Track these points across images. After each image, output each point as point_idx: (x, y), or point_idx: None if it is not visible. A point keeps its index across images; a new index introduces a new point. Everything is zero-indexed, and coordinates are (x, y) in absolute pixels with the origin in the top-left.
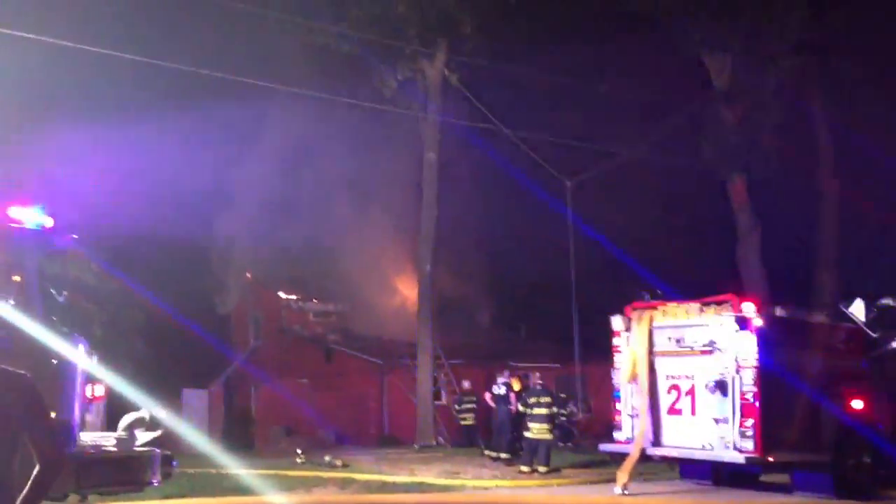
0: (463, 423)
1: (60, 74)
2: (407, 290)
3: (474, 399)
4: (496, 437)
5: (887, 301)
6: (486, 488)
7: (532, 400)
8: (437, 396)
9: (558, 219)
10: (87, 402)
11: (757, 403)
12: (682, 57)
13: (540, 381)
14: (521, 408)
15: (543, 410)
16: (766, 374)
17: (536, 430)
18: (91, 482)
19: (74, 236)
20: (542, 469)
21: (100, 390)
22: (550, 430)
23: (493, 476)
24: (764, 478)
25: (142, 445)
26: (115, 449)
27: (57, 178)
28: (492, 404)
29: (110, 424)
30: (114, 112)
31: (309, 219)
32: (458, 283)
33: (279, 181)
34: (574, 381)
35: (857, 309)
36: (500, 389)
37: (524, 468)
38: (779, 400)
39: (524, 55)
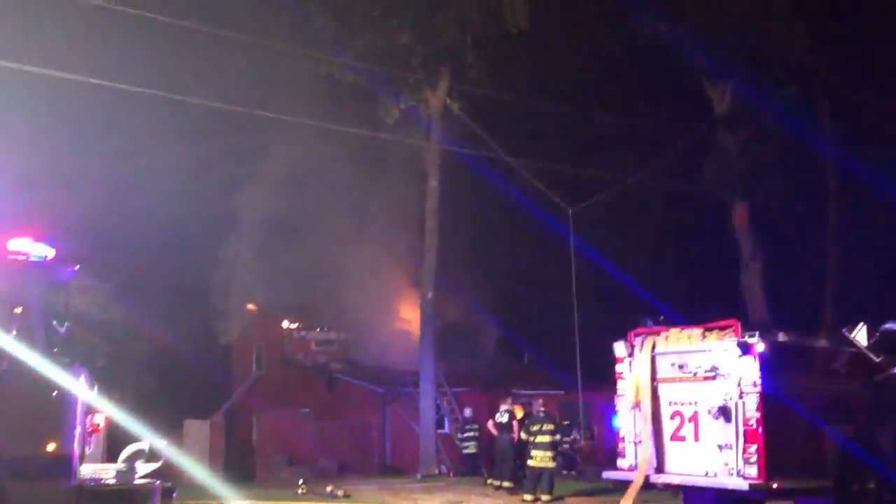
0: (465, 451)
1: (64, 105)
2: (409, 318)
3: (476, 427)
4: (499, 466)
5: (890, 326)
6: None
7: (535, 427)
8: (439, 424)
9: (561, 245)
10: (88, 434)
11: (760, 429)
12: (684, 84)
13: (543, 409)
14: (523, 435)
15: (546, 438)
16: (770, 400)
17: (539, 458)
18: None
19: (77, 267)
20: (545, 497)
21: (100, 421)
22: (553, 458)
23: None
24: None
25: (142, 477)
26: (115, 481)
27: (60, 209)
28: (494, 432)
29: (111, 456)
30: (117, 143)
31: (311, 246)
32: (460, 309)
33: (281, 209)
34: (577, 408)
35: (860, 334)
36: (502, 417)
37: (527, 497)
38: (782, 426)
39: (526, 83)
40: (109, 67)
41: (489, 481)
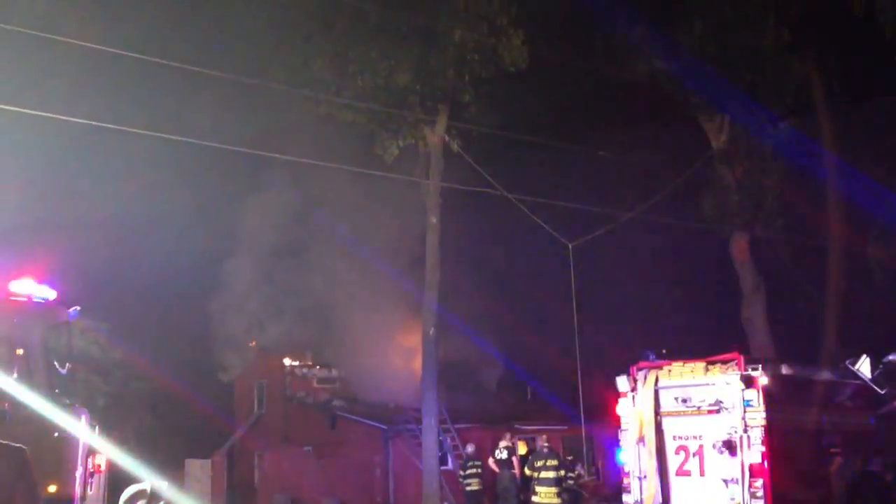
0: (468, 488)
1: (64, 148)
2: (411, 354)
3: (479, 464)
4: (502, 503)
5: (893, 357)
6: None
7: (539, 463)
8: (443, 461)
9: (562, 280)
10: (89, 475)
11: (766, 463)
12: (681, 118)
13: (547, 444)
14: (527, 471)
15: (551, 474)
16: (775, 433)
17: (544, 494)
18: None
19: (78, 308)
20: None
21: (101, 462)
22: (558, 494)
23: None
24: None
25: None
26: None
27: (61, 250)
28: (496, 469)
29: (112, 497)
30: (117, 185)
31: (311, 283)
32: (462, 345)
33: (282, 247)
34: (580, 443)
35: (864, 365)
36: (501, 454)
37: None
38: (788, 459)
39: (525, 120)
40: (107, 109)
41: None
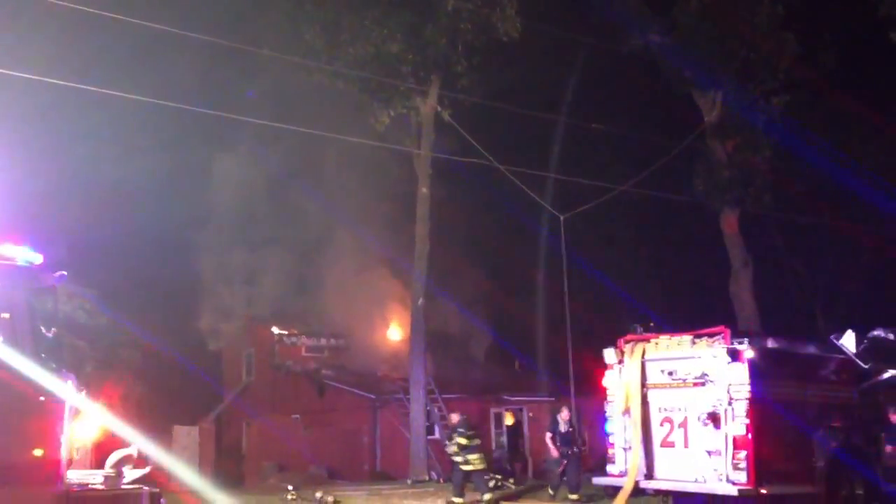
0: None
1: (51, 112)
2: (400, 324)
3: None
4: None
5: (878, 333)
6: None
7: (471, 432)
8: (430, 431)
9: (552, 252)
10: (75, 439)
11: (749, 435)
12: (674, 92)
13: (463, 415)
14: (464, 441)
15: (478, 441)
16: (759, 406)
17: (477, 461)
18: None
19: (64, 273)
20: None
21: (88, 427)
22: (483, 460)
23: None
24: None
25: (129, 483)
26: (102, 487)
27: (48, 215)
28: (552, 446)
29: (99, 462)
30: (106, 150)
31: (301, 252)
32: (451, 316)
33: (272, 214)
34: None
35: (848, 340)
36: (561, 427)
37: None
38: (771, 432)
39: (517, 91)
40: (98, 73)
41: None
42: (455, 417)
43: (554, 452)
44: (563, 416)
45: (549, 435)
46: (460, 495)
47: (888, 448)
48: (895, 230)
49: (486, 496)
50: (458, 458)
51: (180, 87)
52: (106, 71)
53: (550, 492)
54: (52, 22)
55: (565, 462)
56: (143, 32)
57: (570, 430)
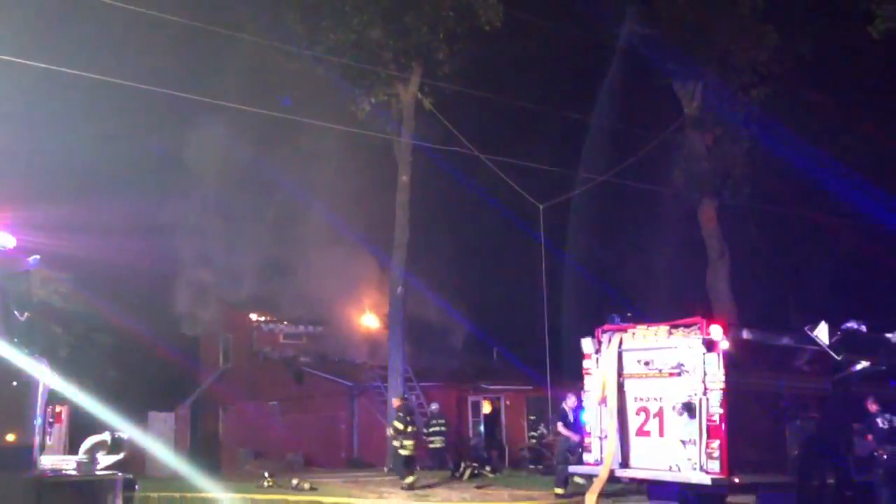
0: (431, 445)
1: (24, 93)
2: (379, 313)
3: (443, 422)
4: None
5: (850, 325)
6: None
7: (409, 418)
8: None
9: (531, 242)
10: (49, 425)
11: (723, 425)
12: (654, 84)
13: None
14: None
15: (411, 428)
16: (733, 396)
17: (411, 447)
18: None
19: (38, 257)
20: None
21: (62, 412)
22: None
23: (462, 499)
24: (730, 499)
25: (103, 469)
26: (75, 472)
27: (21, 199)
28: (566, 433)
29: (72, 447)
30: (81, 132)
31: (280, 239)
32: (429, 305)
33: (251, 200)
34: (545, 404)
35: (822, 332)
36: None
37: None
38: (745, 421)
39: (498, 80)
40: (72, 55)
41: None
42: (396, 402)
43: (575, 437)
44: (570, 403)
45: (560, 424)
46: (407, 477)
47: (868, 437)
48: (870, 223)
49: (409, 479)
50: (395, 443)
51: (157, 70)
52: (81, 53)
53: (559, 490)
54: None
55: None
56: (119, 14)
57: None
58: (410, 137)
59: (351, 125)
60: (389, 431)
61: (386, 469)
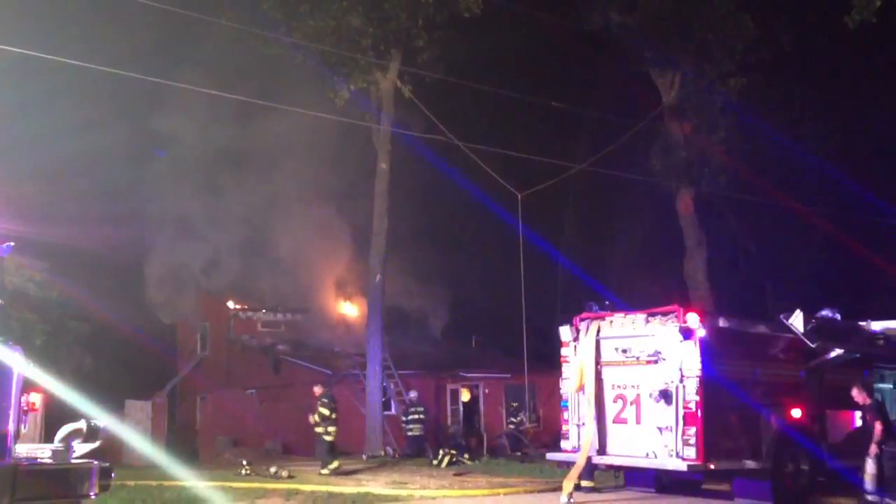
0: (410, 433)
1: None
2: (358, 301)
3: (422, 409)
4: None
5: (825, 313)
6: (432, 498)
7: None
8: (386, 406)
9: (510, 230)
10: (23, 413)
11: (699, 412)
12: (633, 72)
13: (321, 388)
14: (330, 412)
15: (334, 415)
16: (709, 384)
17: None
18: (25, 495)
19: (11, 244)
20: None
21: (37, 400)
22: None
23: (441, 486)
24: (706, 485)
25: (79, 457)
26: (50, 461)
27: None
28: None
29: (48, 436)
30: (54, 120)
31: (257, 226)
32: (408, 293)
33: (228, 188)
34: (523, 391)
35: (797, 320)
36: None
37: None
38: (721, 409)
39: (478, 68)
40: (44, 39)
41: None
42: (318, 389)
43: None
44: None
45: None
46: (331, 463)
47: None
48: (844, 212)
49: (333, 464)
50: (319, 429)
51: (132, 55)
52: (53, 37)
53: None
54: None
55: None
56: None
57: None
58: (389, 125)
59: (330, 113)
60: (314, 418)
61: (365, 457)
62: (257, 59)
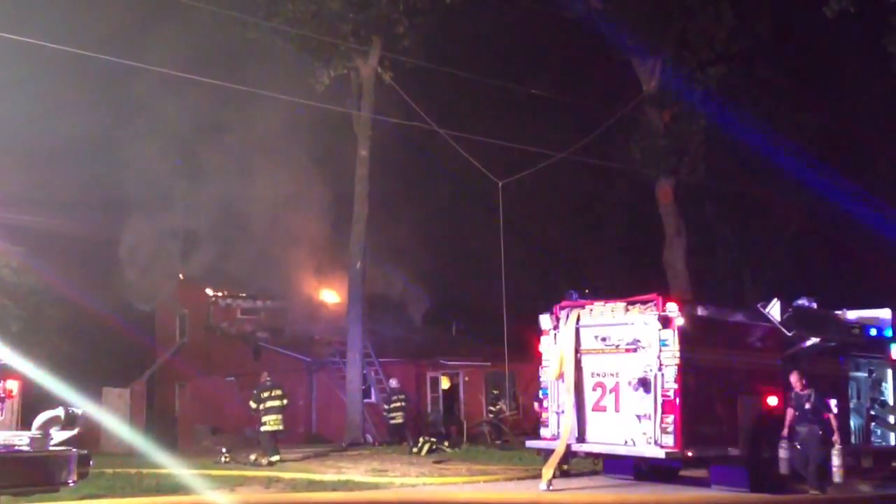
0: (392, 421)
1: None
2: (338, 288)
3: (403, 397)
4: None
5: (802, 302)
6: (413, 486)
7: (265, 394)
8: (366, 394)
9: (490, 217)
10: (0, 400)
11: (677, 400)
12: (614, 60)
13: (269, 378)
14: (253, 404)
15: (276, 403)
16: (687, 372)
17: (272, 422)
18: (3, 482)
19: None
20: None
21: (14, 387)
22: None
23: (420, 473)
24: (683, 472)
25: (57, 444)
26: (28, 448)
27: None
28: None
29: (25, 423)
30: (32, 103)
31: (237, 213)
32: (388, 280)
33: (207, 175)
34: (503, 379)
35: (774, 309)
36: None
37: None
38: (699, 397)
39: (459, 55)
40: (26, 23)
41: None
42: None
43: None
44: None
45: None
46: (275, 453)
47: (788, 412)
48: (823, 201)
49: (274, 458)
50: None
51: (110, 39)
52: (29, 20)
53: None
54: None
55: None
56: None
57: None
58: (370, 111)
59: (310, 98)
60: (252, 406)
61: (344, 444)
62: (238, 42)
